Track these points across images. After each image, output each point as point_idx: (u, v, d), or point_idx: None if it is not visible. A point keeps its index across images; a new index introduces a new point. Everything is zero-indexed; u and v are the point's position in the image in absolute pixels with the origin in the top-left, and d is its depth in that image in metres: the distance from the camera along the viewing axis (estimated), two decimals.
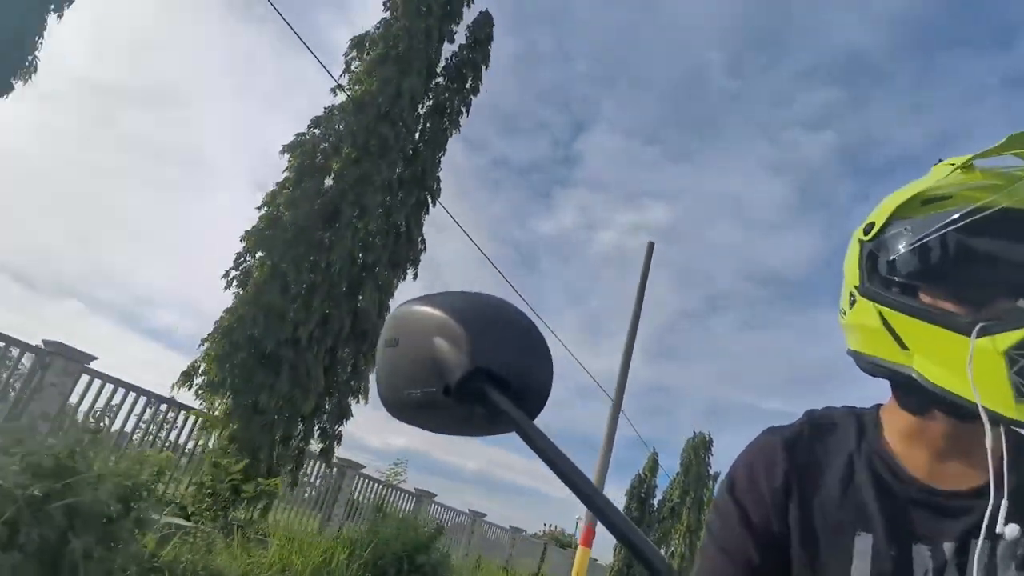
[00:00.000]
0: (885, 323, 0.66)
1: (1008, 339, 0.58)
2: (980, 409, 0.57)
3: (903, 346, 0.65)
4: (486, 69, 9.85)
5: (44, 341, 6.06)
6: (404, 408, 0.42)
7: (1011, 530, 0.59)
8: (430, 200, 9.18)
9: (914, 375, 0.63)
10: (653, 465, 23.57)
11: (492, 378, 0.37)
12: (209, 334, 7.24)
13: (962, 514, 0.64)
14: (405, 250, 8.83)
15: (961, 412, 0.61)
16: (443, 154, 9.37)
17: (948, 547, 0.63)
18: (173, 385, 7.23)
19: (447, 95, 9.46)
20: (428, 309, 0.41)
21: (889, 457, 0.70)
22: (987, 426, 0.59)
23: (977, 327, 0.59)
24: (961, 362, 0.59)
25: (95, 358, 6.23)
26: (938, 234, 0.64)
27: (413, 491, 11.43)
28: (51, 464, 3.17)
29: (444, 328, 0.39)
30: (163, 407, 7.14)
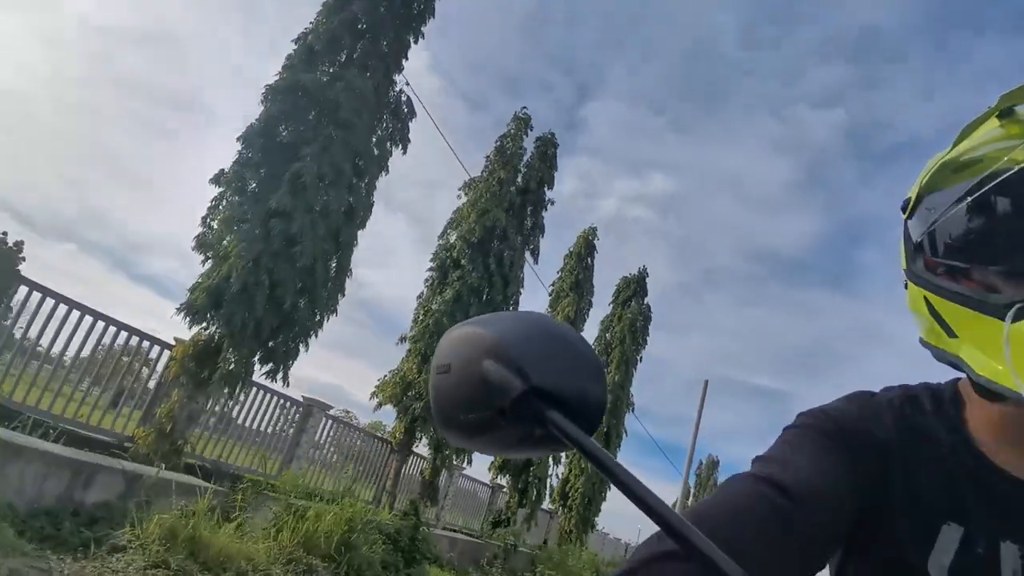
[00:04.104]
0: (931, 310, 0.63)
1: None
2: None
3: (951, 333, 0.61)
4: (550, 188, 13.35)
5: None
6: (462, 433, 0.42)
7: None
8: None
9: (963, 366, 0.59)
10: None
11: (546, 397, 0.37)
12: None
13: None
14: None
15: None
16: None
17: None
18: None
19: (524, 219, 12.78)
20: (477, 332, 0.41)
21: (977, 445, 0.64)
22: None
23: (1013, 309, 0.54)
24: (1002, 348, 0.54)
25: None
26: (965, 204, 0.59)
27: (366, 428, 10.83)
28: None
29: (494, 350, 0.39)
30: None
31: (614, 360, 18.64)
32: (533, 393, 0.37)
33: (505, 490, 14.69)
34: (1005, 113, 0.58)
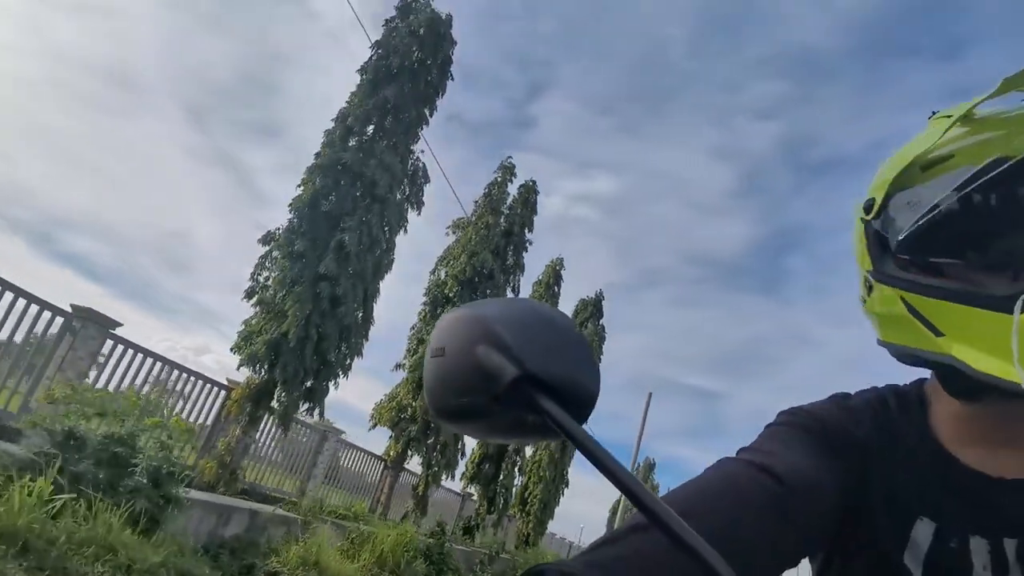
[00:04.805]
0: (911, 309, 0.60)
1: None
2: None
3: (937, 332, 0.58)
4: (530, 231, 15.00)
5: (73, 306, 6.28)
6: (453, 417, 0.42)
7: None
8: None
9: (957, 364, 0.56)
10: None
11: (539, 384, 0.37)
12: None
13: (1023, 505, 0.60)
14: None
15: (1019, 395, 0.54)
16: None
17: (1010, 541, 0.59)
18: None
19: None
20: (473, 317, 0.41)
21: (944, 443, 0.65)
22: None
23: (1020, 300, 0.52)
24: (1008, 343, 0.52)
25: (120, 324, 6.53)
26: (949, 201, 0.57)
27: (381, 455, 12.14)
28: None
29: (490, 336, 0.39)
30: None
31: None
32: (527, 380, 0.37)
33: (474, 498, 16.19)
34: (965, 118, 0.59)
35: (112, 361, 6.78)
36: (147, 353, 7.12)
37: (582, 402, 0.39)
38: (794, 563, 0.58)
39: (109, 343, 6.65)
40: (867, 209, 0.66)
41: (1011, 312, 0.52)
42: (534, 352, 0.38)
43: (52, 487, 3.50)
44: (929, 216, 0.59)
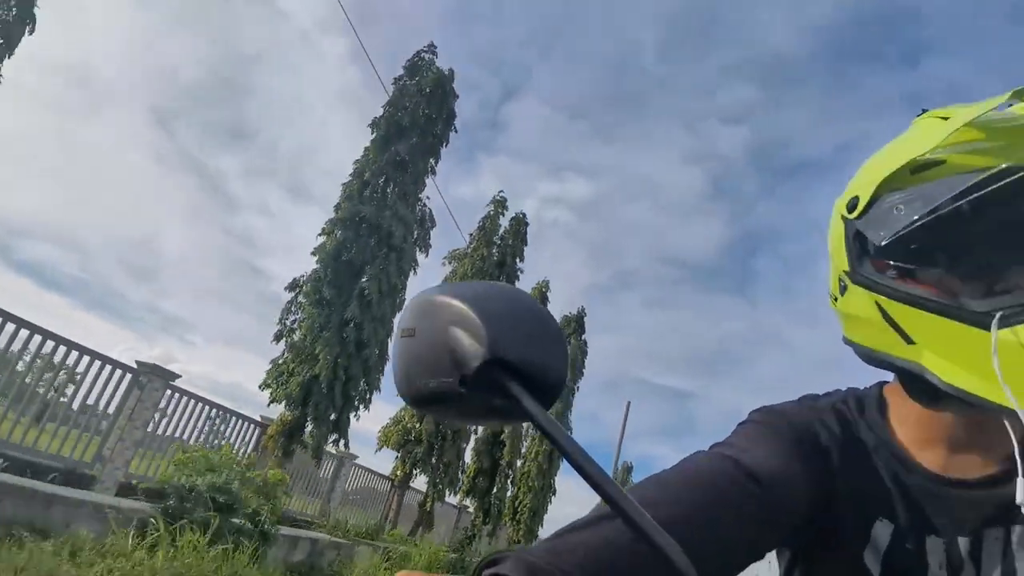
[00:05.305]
0: (884, 314, 0.59)
1: None
2: (1020, 413, 0.49)
3: (908, 340, 0.57)
4: (521, 260, 15.96)
5: (138, 362, 7.12)
6: (420, 398, 0.42)
7: None
8: None
9: (925, 374, 0.56)
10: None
11: (508, 368, 0.37)
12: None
13: (977, 505, 0.60)
14: None
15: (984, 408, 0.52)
16: None
17: (963, 540, 0.60)
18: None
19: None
20: (445, 299, 0.40)
21: (900, 445, 0.66)
22: (1012, 434, 0.57)
23: (996, 317, 0.51)
24: (980, 358, 0.51)
25: (179, 376, 7.38)
26: (945, 207, 0.55)
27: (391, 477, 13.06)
28: None
29: (461, 318, 0.38)
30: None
31: None
32: (496, 363, 0.37)
33: (470, 510, 17.18)
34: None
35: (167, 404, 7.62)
36: (199, 399, 7.97)
37: (550, 387, 0.39)
38: (759, 557, 0.58)
39: (168, 392, 7.49)
40: (850, 208, 0.63)
41: (986, 328, 0.51)
42: (505, 336, 0.38)
43: (190, 534, 4.41)
44: (918, 222, 0.56)
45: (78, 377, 6.68)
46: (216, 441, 8.61)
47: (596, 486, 0.34)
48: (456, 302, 0.39)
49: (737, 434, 0.66)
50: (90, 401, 6.94)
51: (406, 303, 0.44)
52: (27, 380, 6.24)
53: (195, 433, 8.19)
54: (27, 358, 5.98)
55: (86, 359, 6.53)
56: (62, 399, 6.68)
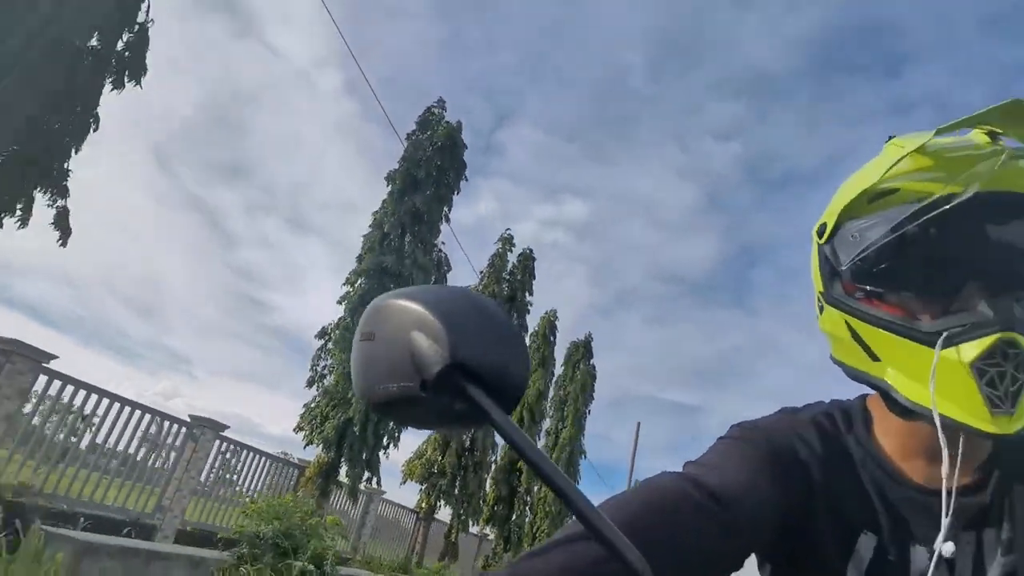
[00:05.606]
0: (853, 333, 0.64)
1: (974, 349, 0.54)
2: (938, 429, 0.55)
3: (874, 357, 0.62)
4: (530, 295, 16.69)
5: (191, 416, 7.76)
6: (380, 403, 0.41)
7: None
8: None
9: (889, 390, 0.61)
10: None
11: (469, 372, 0.37)
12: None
13: (957, 512, 0.62)
14: None
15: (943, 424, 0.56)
16: None
17: (947, 547, 0.61)
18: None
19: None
20: (405, 303, 0.40)
21: (885, 457, 0.67)
22: (944, 450, 0.58)
23: (941, 338, 0.55)
24: (927, 373, 0.56)
25: (227, 427, 8.00)
26: (886, 237, 0.59)
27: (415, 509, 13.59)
28: None
29: (421, 322, 0.38)
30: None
31: (569, 416, 22.01)
32: (456, 367, 0.37)
33: (491, 538, 17.62)
34: (918, 150, 0.59)
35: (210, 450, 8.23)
36: (245, 447, 8.59)
37: (511, 391, 0.38)
38: (725, 573, 0.59)
39: (218, 442, 8.11)
40: (819, 233, 0.68)
41: (933, 347, 0.55)
42: (465, 340, 0.37)
43: None
44: (867, 251, 0.61)
45: (139, 434, 7.31)
46: (260, 487, 9.20)
47: (557, 490, 0.35)
48: (416, 306, 0.39)
49: (712, 450, 0.67)
50: (151, 453, 7.59)
51: (368, 307, 0.44)
52: (108, 444, 6.94)
53: (248, 481, 8.80)
54: (104, 422, 6.69)
55: (147, 416, 7.18)
56: (130, 452, 7.30)
